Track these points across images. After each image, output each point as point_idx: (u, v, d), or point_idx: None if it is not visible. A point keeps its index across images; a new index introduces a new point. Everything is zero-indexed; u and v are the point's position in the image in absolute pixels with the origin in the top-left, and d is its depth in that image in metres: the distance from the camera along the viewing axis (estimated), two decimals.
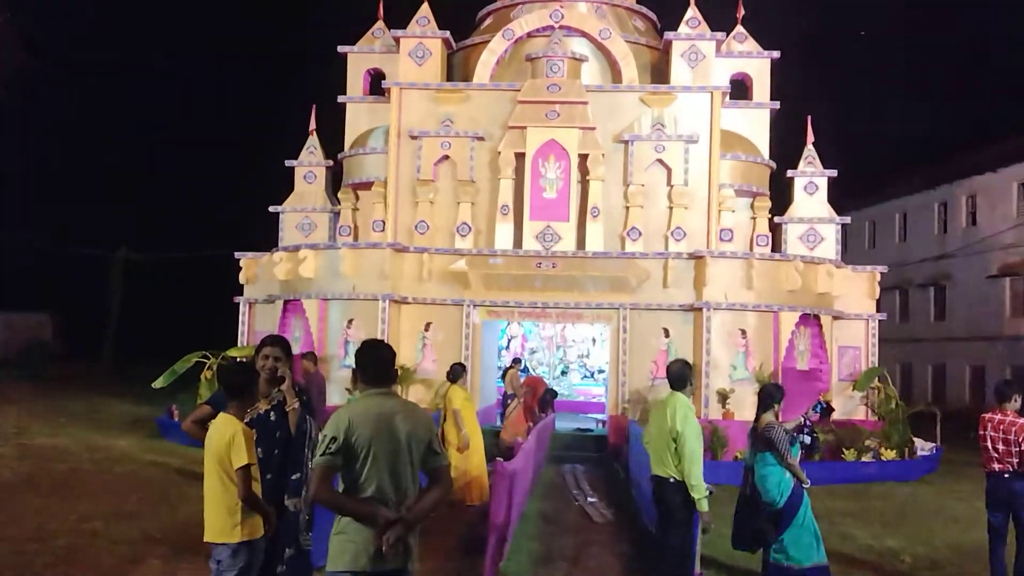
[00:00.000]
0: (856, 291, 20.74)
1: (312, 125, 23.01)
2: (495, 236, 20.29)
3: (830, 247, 21.15)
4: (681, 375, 8.17)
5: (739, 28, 22.35)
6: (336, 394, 18.35)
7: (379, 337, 18.70)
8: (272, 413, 6.23)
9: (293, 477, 6.14)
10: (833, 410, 15.55)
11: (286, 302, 20.40)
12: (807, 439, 9.29)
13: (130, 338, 43.37)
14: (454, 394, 13.00)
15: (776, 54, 22.05)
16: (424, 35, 21.72)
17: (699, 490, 7.72)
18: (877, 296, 21.04)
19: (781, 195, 21.85)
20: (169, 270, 45.28)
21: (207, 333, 25.04)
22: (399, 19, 22.38)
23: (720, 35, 21.51)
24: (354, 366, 5.37)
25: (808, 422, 9.18)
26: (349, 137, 22.52)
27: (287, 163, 22.96)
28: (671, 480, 7.90)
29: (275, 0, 55.35)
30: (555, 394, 19.60)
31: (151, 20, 55.72)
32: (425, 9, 22.06)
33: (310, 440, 6.19)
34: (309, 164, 22.89)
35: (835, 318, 20.09)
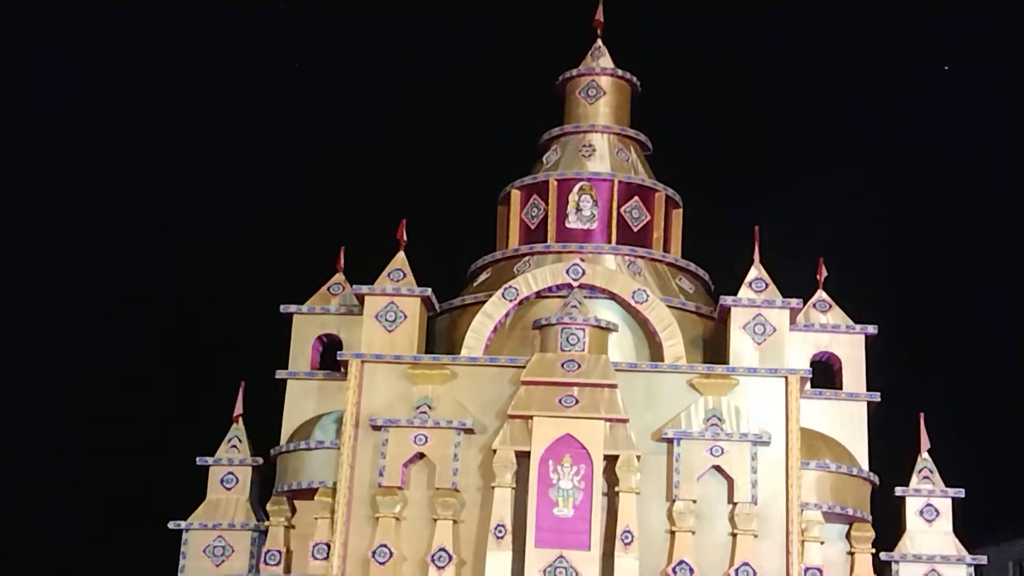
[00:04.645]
0: None
1: (238, 409, 22.69)
2: (485, 569, 19.45)
3: None
4: None
5: (821, 294, 22.54)
6: None
7: None
8: None
9: None
10: None
11: None
12: None
13: None
14: None
15: (872, 329, 22.11)
16: (398, 292, 21.89)
17: None
18: None
19: (888, 521, 21.36)
20: None
21: None
22: (364, 272, 22.60)
23: (795, 302, 21.58)
24: None
25: None
26: (288, 426, 22.17)
27: (199, 461, 22.42)
28: None
29: (196, 243, 57.11)
30: None
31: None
32: (400, 259, 22.30)
33: None
34: (230, 463, 22.37)
35: None
